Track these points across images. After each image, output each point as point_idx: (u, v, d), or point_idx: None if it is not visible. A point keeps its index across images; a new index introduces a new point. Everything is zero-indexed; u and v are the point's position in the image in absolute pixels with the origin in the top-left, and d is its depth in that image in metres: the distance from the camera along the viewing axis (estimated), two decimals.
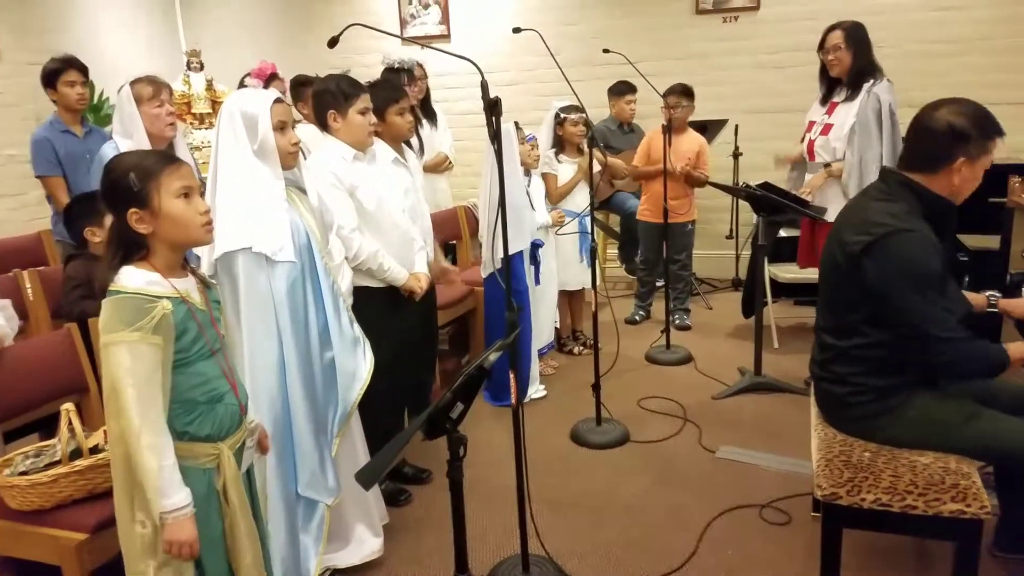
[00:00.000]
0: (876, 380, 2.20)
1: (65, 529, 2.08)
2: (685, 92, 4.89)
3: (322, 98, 2.79)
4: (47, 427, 2.72)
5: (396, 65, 4.44)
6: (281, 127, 2.25)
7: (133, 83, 3.33)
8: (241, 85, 4.22)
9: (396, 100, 3.14)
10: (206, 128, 5.30)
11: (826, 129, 3.75)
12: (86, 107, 4.01)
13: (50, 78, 3.91)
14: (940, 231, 2.13)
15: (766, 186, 3.78)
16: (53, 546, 2.04)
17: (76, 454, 2.15)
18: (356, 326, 2.46)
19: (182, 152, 3.36)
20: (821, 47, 3.72)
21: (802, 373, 4.08)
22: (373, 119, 2.81)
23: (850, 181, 3.64)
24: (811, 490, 2.82)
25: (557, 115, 4.40)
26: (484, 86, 2.20)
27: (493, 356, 1.99)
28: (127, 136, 3.31)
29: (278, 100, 2.26)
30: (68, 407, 2.16)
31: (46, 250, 4.09)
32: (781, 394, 3.88)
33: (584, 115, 4.24)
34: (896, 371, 2.18)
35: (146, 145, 3.24)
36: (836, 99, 3.74)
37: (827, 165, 3.74)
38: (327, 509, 2.39)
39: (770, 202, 3.72)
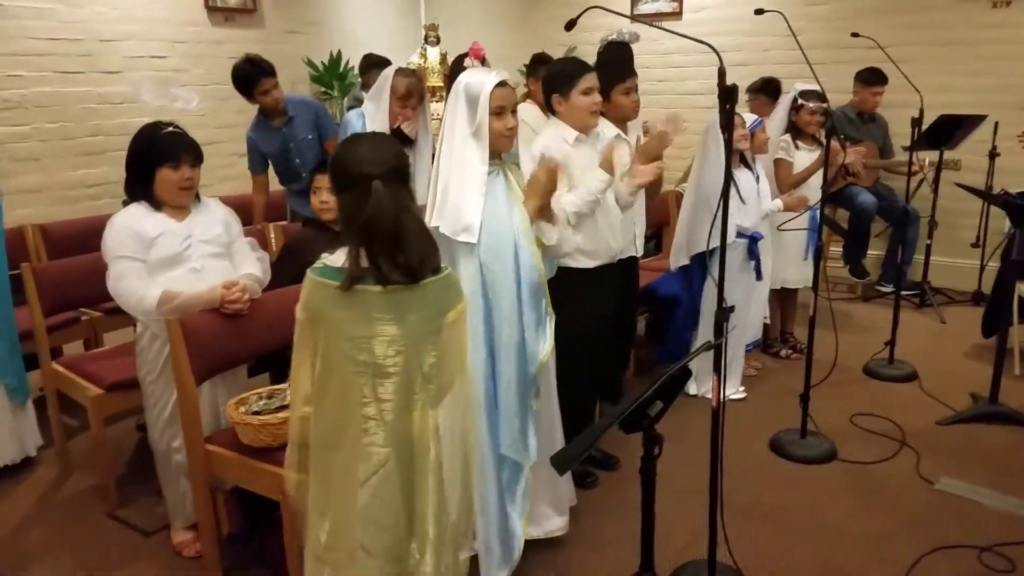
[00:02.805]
0: None
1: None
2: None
3: (548, 83, 2.86)
4: (282, 367, 3.00)
5: (614, 38, 4.40)
6: (499, 112, 2.31)
7: (398, 72, 3.46)
8: (457, 68, 4.37)
9: (623, 79, 3.14)
10: (437, 101, 5.57)
11: None
12: (281, 105, 4.20)
13: (246, 88, 4.07)
14: None
15: None
16: (276, 483, 2.26)
17: None
18: (546, 305, 2.46)
19: (423, 127, 3.51)
20: None
21: None
22: (598, 98, 2.82)
23: None
24: None
25: (795, 99, 4.20)
26: (722, 73, 2.12)
27: (695, 366, 1.95)
28: (374, 111, 3.49)
29: (500, 84, 2.32)
30: None
31: (288, 206, 4.51)
32: (1017, 427, 3.50)
33: (824, 104, 4.00)
34: None
35: (385, 127, 3.39)
36: None
37: None
38: (530, 476, 2.46)
39: None
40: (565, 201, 2.66)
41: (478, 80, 2.34)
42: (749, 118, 3.81)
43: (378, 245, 1.71)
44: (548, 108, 2.91)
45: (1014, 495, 2.96)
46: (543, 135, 2.87)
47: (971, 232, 5.35)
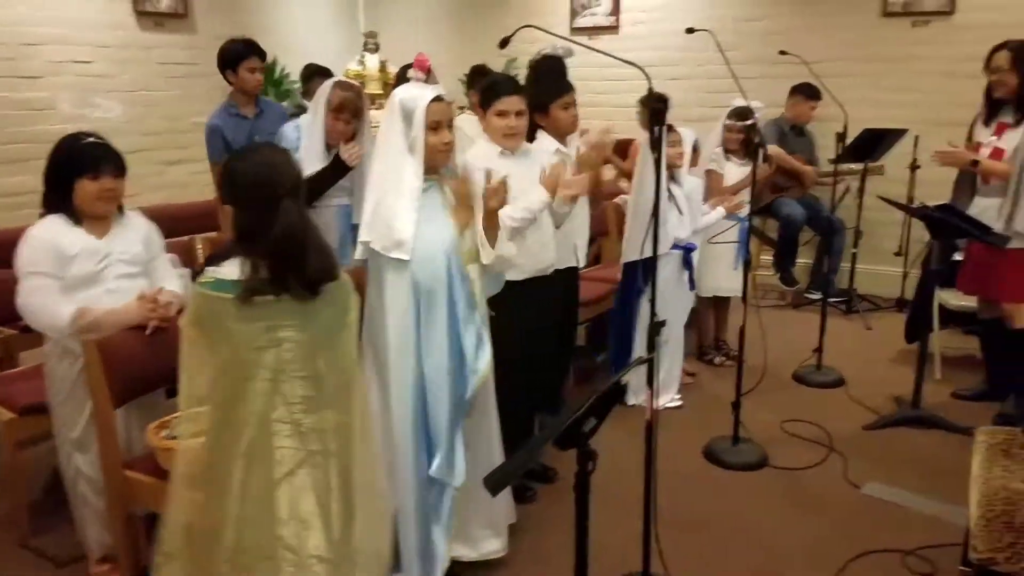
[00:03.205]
0: None
1: None
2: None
3: (480, 97, 2.87)
4: None
5: (547, 52, 4.42)
6: (435, 126, 2.29)
7: (335, 84, 3.36)
8: (402, 77, 4.35)
9: (560, 94, 3.17)
10: (376, 108, 5.52)
11: (996, 154, 3.59)
12: (260, 91, 4.19)
13: (232, 61, 4.03)
14: None
15: (945, 208, 3.51)
16: None
17: None
18: (482, 320, 2.43)
19: (364, 141, 3.42)
20: (987, 66, 3.59)
21: (964, 409, 3.81)
22: (514, 122, 2.81)
23: (1005, 206, 3.41)
24: (961, 540, 2.62)
25: (730, 115, 4.30)
26: (650, 93, 2.16)
27: (629, 374, 1.97)
28: (310, 123, 3.38)
29: (436, 99, 2.30)
30: None
31: (220, 217, 4.40)
32: (939, 431, 3.62)
33: (746, 123, 4.09)
34: None
35: (320, 140, 3.31)
36: (1004, 119, 3.59)
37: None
38: (455, 497, 2.43)
39: (948, 226, 3.46)
40: (503, 216, 2.66)
41: (413, 95, 2.32)
42: (687, 133, 3.87)
43: (285, 260, 1.76)
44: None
45: (936, 497, 3.06)
46: (472, 148, 2.87)
47: (894, 241, 5.53)
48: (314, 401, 1.84)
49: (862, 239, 5.38)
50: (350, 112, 3.28)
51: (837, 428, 3.68)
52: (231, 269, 1.76)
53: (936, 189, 5.18)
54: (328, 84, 3.36)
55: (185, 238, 3.79)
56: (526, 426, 3.20)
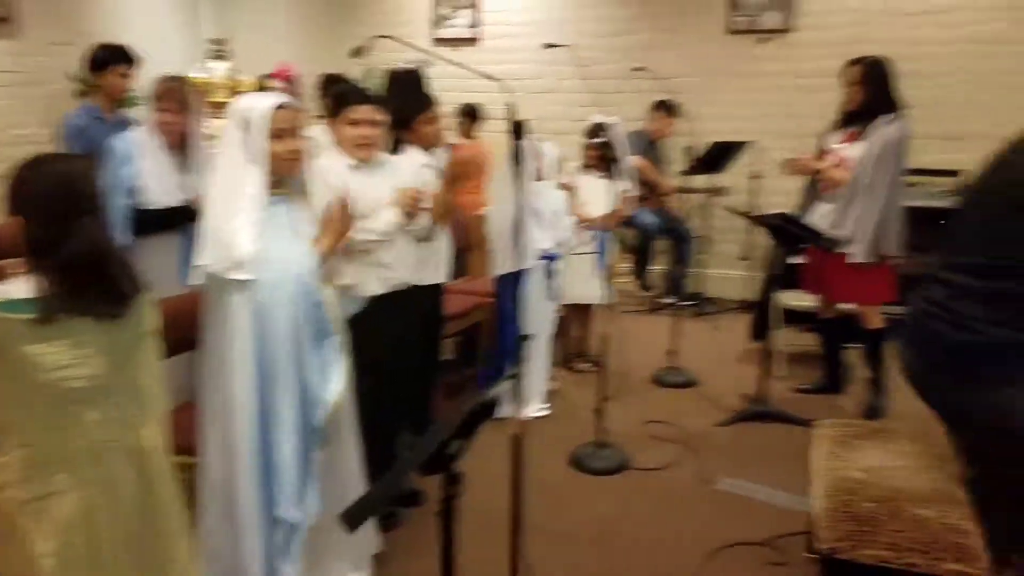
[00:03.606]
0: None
1: None
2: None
3: (332, 104, 2.77)
4: None
5: (403, 64, 4.38)
6: (279, 135, 2.19)
7: (159, 77, 3.22)
8: (262, 86, 4.19)
9: (423, 109, 3.13)
10: (224, 117, 5.30)
11: (842, 162, 3.74)
12: (127, 97, 3.97)
13: (102, 64, 3.84)
14: None
15: (784, 216, 3.74)
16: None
17: None
18: (335, 344, 2.34)
19: (197, 143, 3.25)
20: (842, 78, 3.76)
21: (805, 403, 4.06)
22: (368, 132, 2.72)
23: (835, 213, 3.70)
24: (807, 529, 2.78)
25: (590, 131, 4.38)
26: (509, 108, 2.17)
27: (496, 391, 1.95)
28: (147, 130, 3.24)
29: (282, 106, 2.21)
30: None
31: None
32: (784, 424, 3.83)
33: (596, 140, 4.20)
34: None
35: (154, 143, 3.14)
36: (853, 128, 3.76)
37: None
38: (305, 532, 2.32)
39: (786, 232, 3.68)
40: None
41: (253, 103, 2.21)
42: (549, 148, 3.93)
43: (85, 277, 1.67)
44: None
45: (784, 488, 3.23)
46: (321, 159, 2.77)
47: (739, 247, 5.85)
48: (118, 424, 1.76)
49: (710, 246, 5.68)
50: (174, 101, 3.11)
51: (692, 426, 3.84)
52: (20, 287, 1.62)
53: (776, 198, 5.53)
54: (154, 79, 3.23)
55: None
56: (391, 446, 3.13)
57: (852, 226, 3.66)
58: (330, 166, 2.69)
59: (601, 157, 4.38)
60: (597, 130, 4.23)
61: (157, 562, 1.85)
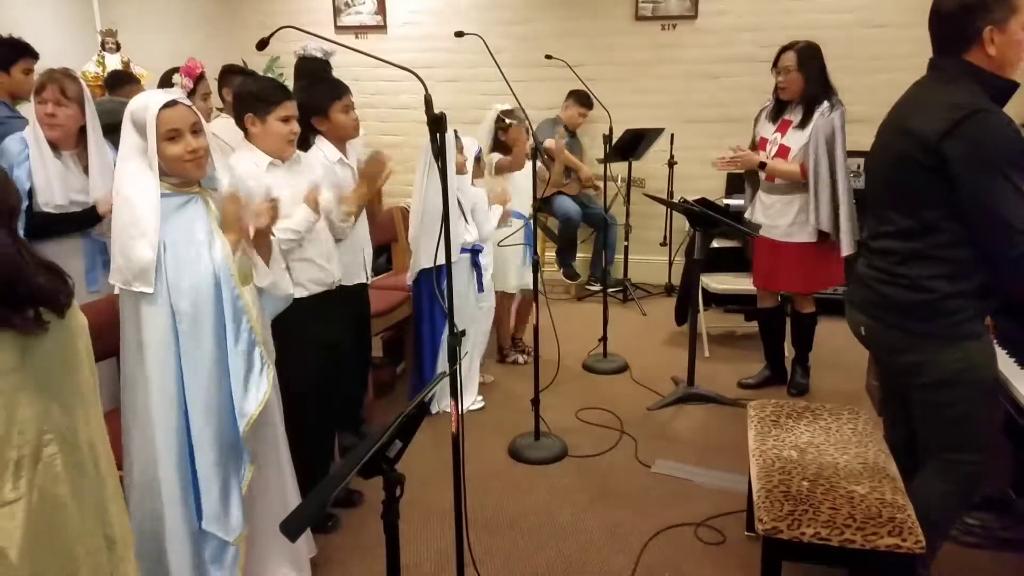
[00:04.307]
0: (964, 283, 2.00)
1: None
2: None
3: (243, 101, 2.63)
4: None
5: (305, 53, 4.23)
6: (173, 136, 2.07)
7: (41, 73, 3.03)
8: (165, 82, 3.96)
9: (339, 96, 3.03)
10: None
11: (782, 151, 3.68)
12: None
13: (8, 60, 3.59)
14: None
15: (703, 202, 3.76)
16: None
17: None
18: (261, 352, 2.23)
19: (95, 141, 3.05)
20: (775, 66, 3.66)
21: (732, 383, 4.11)
22: (297, 128, 2.66)
23: (792, 204, 3.67)
24: (744, 508, 2.82)
25: (500, 119, 4.28)
26: (428, 101, 2.08)
27: (434, 390, 1.89)
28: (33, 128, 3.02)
29: (170, 104, 2.08)
30: None
31: None
32: (713, 405, 3.88)
33: (527, 123, 4.13)
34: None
35: (40, 141, 2.94)
36: (789, 117, 3.69)
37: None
38: (242, 542, 2.23)
39: (707, 218, 3.70)
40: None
41: (143, 103, 2.08)
42: (469, 142, 3.85)
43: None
44: (240, 126, 2.68)
45: (716, 468, 3.26)
46: (233, 158, 2.63)
47: (659, 232, 5.89)
48: (55, 431, 1.60)
49: (632, 232, 5.70)
50: (54, 92, 2.92)
51: (626, 412, 3.84)
52: None
53: (691, 183, 5.61)
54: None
55: None
56: (326, 447, 3.04)
57: (826, 219, 3.58)
58: (246, 167, 2.56)
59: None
60: (514, 116, 4.17)
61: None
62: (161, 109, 2.05)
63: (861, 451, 2.35)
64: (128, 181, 2.08)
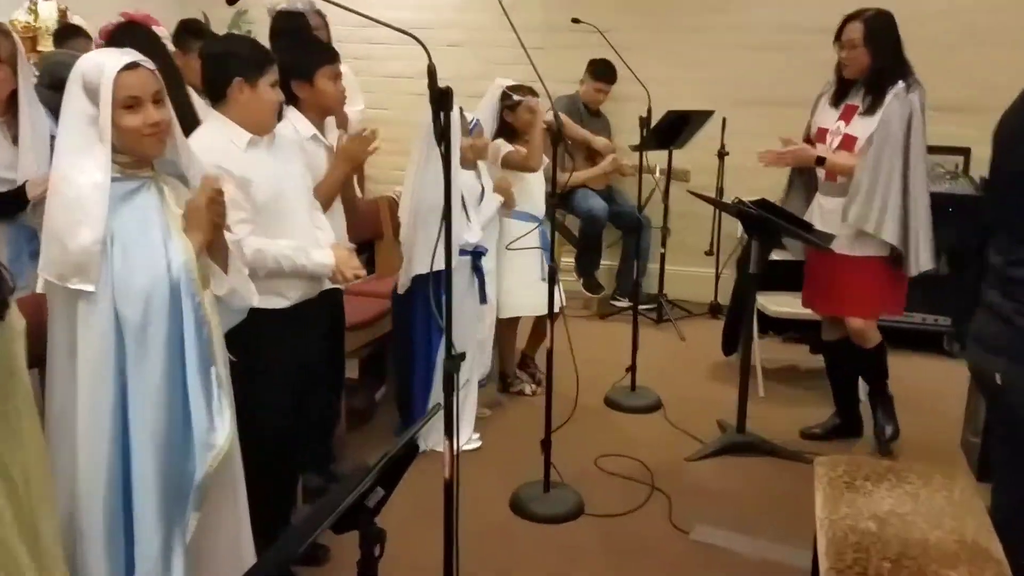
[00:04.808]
0: None
1: None
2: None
3: (225, 62, 2.61)
4: None
5: (284, 7, 4.23)
6: (132, 104, 2.07)
7: None
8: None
9: (329, 61, 3.09)
10: None
11: (847, 143, 3.64)
12: None
13: None
14: None
15: (762, 203, 3.71)
16: None
17: None
18: (214, 373, 2.23)
19: (28, 108, 3.05)
20: (837, 38, 3.64)
21: (794, 430, 4.07)
22: (282, 96, 2.70)
23: (852, 205, 3.55)
24: None
25: (506, 96, 4.25)
26: (432, 72, 2.05)
27: (423, 429, 1.86)
28: None
29: (130, 67, 2.08)
30: None
31: None
32: (768, 457, 3.84)
33: (538, 99, 4.10)
34: None
35: None
36: (854, 102, 3.65)
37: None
38: None
39: (767, 223, 3.66)
40: (242, 236, 2.45)
41: (96, 63, 2.08)
42: (469, 116, 3.84)
43: None
44: (217, 95, 2.66)
45: (765, 534, 3.22)
46: (201, 135, 2.61)
47: (704, 238, 5.85)
48: None
49: (670, 237, 5.66)
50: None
51: (657, 461, 3.80)
52: None
53: (746, 178, 5.56)
54: None
55: None
56: (287, 490, 3.03)
57: (892, 228, 3.52)
58: (219, 146, 2.56)
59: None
60: (525, 92, 4.15)
61: None
62: (120, 72, 2.04)
63: (957, 525, 2.31)
64: (70, 154, 2.07)
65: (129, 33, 3.39)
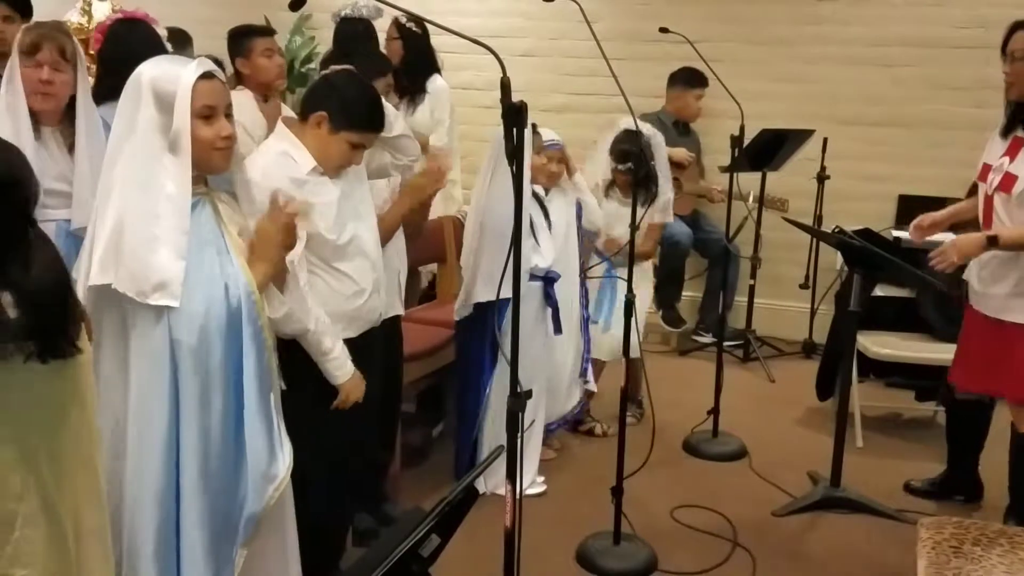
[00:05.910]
0: None
1: None
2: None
3: (326, 99, 2.68)
4: None
5: (349, 12, 4.32)
6: (208, 114, 2.14)
7: (24, 28, 3.07)
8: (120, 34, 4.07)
9: (382, 73, 3.16)
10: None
11: (1006, 182, 3.19)
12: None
13: None
14: None
15: (866, 234, 3.67)
16: None
17: None
18: (273, 400, 2.31)
19: (85, 115, 3.13)
20: (1004, 51, 3.22)
21: (895, 486, 3.99)
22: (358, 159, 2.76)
23: (1017, 263, 3.16)
24: None
25: (620, 155, 4.33)
26: (506, 86, 2.07)
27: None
28: (7, 94, 3.10)
29: (206, 75, 2.14)
30: None
31: None
32: (865, 516, 3.77)
33: (626, 166, 4.16)
34: None
35: (18, 112, 2.96)
36: (1021, 133, 3.25)
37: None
38: None
39: (871, 256, 3.61)
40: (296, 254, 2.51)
41: (172, 71, 2.14)
42: (546, 135, 3.86)
43: (44, 297, 1.59)
44: (302, 117, 2.73)
45: None
46: (262, 156, 2.67)
47: (799, 270, 5.79)
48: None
49: (761, 268, 5.60)
50: (52, 53, 2.95)
51: (741, 515, 3.76)
52: None
53: (848, 205, 5.49)
54: (17, 32, 3.11)
55: None
56: (338, 532, 3.06)
57: None
58: (274, 168, 2.59)
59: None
60: (625, 154, 4.20)
61: None
62: (197, 80, 2.10)
63: None
64: (142, 169, 2.11)
65: (130, 30, 3.53)
